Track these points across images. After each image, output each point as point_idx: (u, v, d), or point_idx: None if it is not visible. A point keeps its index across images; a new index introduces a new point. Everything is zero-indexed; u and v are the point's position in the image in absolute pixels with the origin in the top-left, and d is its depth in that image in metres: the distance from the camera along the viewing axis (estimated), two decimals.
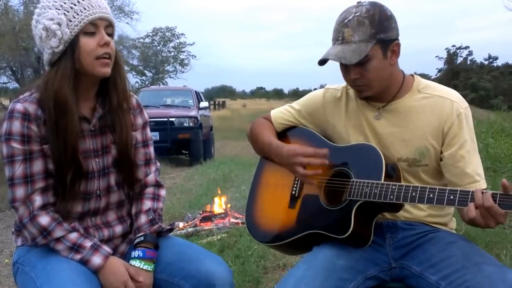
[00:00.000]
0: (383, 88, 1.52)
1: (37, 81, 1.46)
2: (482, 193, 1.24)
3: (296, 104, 1.76)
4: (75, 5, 1.37)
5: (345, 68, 1.50)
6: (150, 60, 30.49)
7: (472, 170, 1.46)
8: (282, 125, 1.76)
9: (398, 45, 1.50)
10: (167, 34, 31.92)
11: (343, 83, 1.68)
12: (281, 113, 1.77)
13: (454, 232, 1.61)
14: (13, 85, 19.84)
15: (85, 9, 1.37)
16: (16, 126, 1.36)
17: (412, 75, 1.59)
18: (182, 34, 32.37)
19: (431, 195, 1.30)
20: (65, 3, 1.37)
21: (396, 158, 1.53)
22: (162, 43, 32.05)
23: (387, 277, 1.52)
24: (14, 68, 17.92)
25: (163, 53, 32.13)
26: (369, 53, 1.43)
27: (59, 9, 1.36)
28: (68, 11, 1.36)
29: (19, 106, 1.37)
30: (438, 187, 1.31)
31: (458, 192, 1.28)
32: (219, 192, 4.98)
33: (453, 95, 1.53)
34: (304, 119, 1.73)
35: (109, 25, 1.43)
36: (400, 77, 1.55)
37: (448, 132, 1.48)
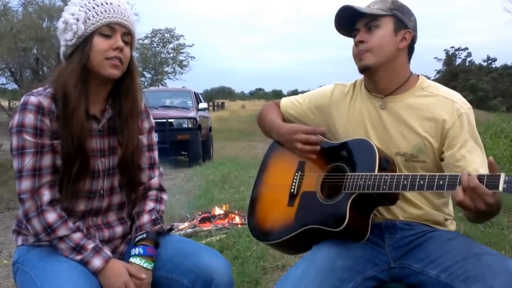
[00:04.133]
0: (386, 69, 1.56)
1: (51, 76, 1.49)
2: (469, 175, 1.25)
3: (307, 97, 1.80)
4: (98, 6, 1.42)
5: (356, 33, 1.57)
6: (149, 61, 30.31)
7: (473, 169, 1.45)
8: (287, 116, 1.81)
9: (411, 36, 1.57)
10: (166, 35, 31.75)
11: (352, 81, 1.72)
12: (290, 105, 1.82)
13: (453, 231, 1.61)
14: (12, 86, 19.80)
15: (106, 11, 1.42)
16: (30, 118, 1.37)
17: (418, 75, 1.62)
18: (181, 35, 32.18)
19: (422, 182, 1.32)
20: (89, 2, 1.43)
21: (394, 152, 1.55)
22: (161, 44, 31.87)
23: (386, 277, 1.52)
24: (12, 69, 17.89)
25: (162, 54, 31.97)
26: (380, 20, 1.53)
27: (82, 7, 1.43)
28: (89, 10, 1.42)
29: (33, 99, 1.38)
30: (428, 174, 1.33)
31: (447, 176, 1.29)
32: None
33: (455, 97, 1.54)
34: (312, 113, 1.76)
35: (128, 34, 1.47)
36: (407, 74, 1.60)
37: (448, 132, 1.50)
